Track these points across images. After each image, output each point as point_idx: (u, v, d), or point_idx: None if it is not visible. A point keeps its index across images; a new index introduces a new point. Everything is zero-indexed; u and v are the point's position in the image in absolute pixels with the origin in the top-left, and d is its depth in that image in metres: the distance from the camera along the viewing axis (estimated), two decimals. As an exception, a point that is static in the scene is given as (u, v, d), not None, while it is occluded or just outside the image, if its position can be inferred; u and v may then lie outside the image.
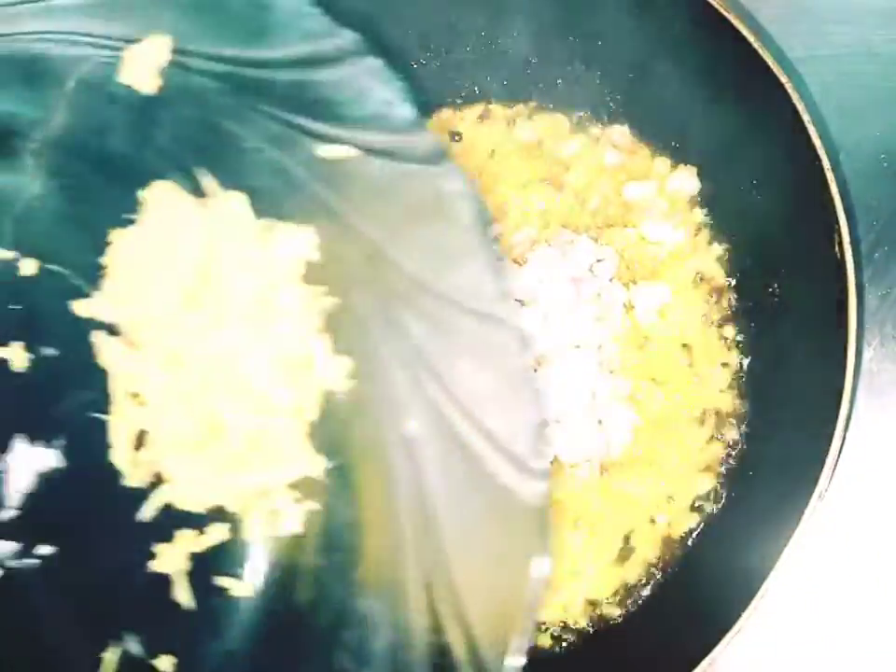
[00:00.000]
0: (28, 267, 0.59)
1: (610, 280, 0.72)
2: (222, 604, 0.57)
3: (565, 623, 0.69)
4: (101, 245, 0.59)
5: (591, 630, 0.68)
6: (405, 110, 0.55)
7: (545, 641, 0.68)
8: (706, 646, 0.59)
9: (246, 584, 0.57)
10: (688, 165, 0.74)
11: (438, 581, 0.52)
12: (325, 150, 0.56)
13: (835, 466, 0.58)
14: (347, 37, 0.56)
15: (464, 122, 0.78)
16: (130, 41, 0.58)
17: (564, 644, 0.68)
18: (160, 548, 0.57)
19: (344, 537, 0.56)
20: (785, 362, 0.67)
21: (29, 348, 0.59)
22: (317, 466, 0.56)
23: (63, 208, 0.60)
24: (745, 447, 0.69)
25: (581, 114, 0.77)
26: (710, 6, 0.65)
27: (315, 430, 0.57)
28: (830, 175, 0.62)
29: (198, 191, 0.58)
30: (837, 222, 0.61)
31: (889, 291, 0.73)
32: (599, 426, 0.69)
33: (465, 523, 0.53)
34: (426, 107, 0.78)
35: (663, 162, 0.74)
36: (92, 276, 0.59)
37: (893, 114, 0.75)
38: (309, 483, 0.57)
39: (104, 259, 0.58)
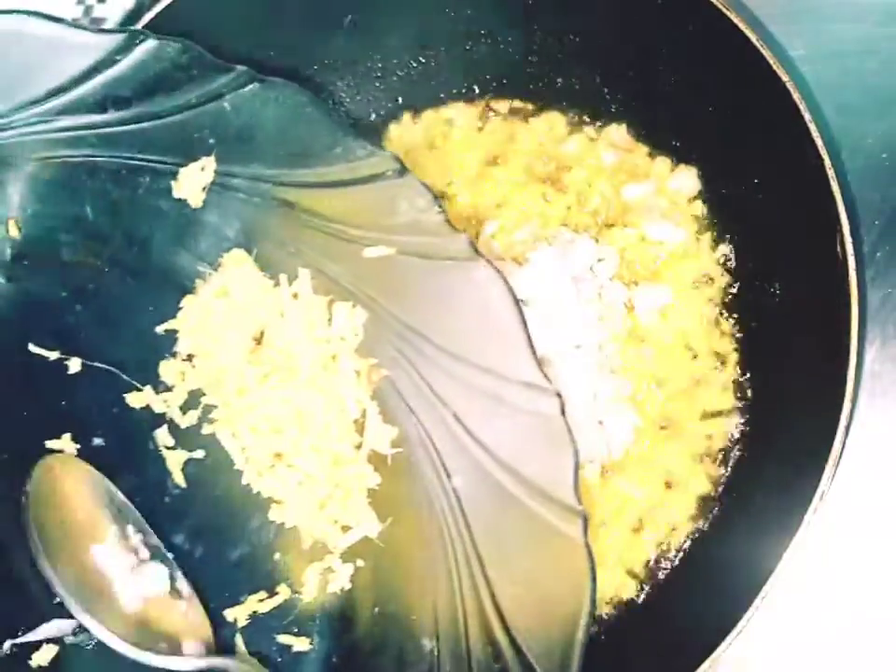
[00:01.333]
0: (75, 365, 0.65)
1: (611, 280, 0.71)
2: (288, 660, 0.62)
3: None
4: (144, 344, 0.65)
5: (592, 631, 0.68)
6: (437, 216, 0.60)
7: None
8: (707, 647, 0.59)
9: (305, 640, 0.62)
10: (688, 165, 0.73)
11: (492, 615, 0.58)
12: (365, 252, 0.62)
13: (837, 466, 0.58)
14: (385, 158, 0.61)
15: (463, 122, 0.78)
16: (181, 164, 0.64)
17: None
18: (228, 611, 0.63)
19: (396, 587, 0.61)
20: (786, 363, 0.67)
21: (77, 439, 0.65)
22: (374, 527, 0.62)
23: (104, 311, 0.66)
24: (746, 448, 0.69)
25: (581, 113, 0.77)
26: (711, 4, 0.65)
27: (372, 494, 0.63)
28: (831, 174, 0.62)
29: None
30: (838, 222, 0.61)
31: (891, 291, 0.72)
32: (600, 426, 0.69)
33: (512, 560, 0.58)
34: (426, 104, 0.79)
35: (663, 162, 0.74)
36: (137, 371, 0.65)
37: (894, 113, 0.75)
38: (359, 542, 0.63)
39: (148, 355, 0.65)
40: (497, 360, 0.59)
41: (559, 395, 0.58)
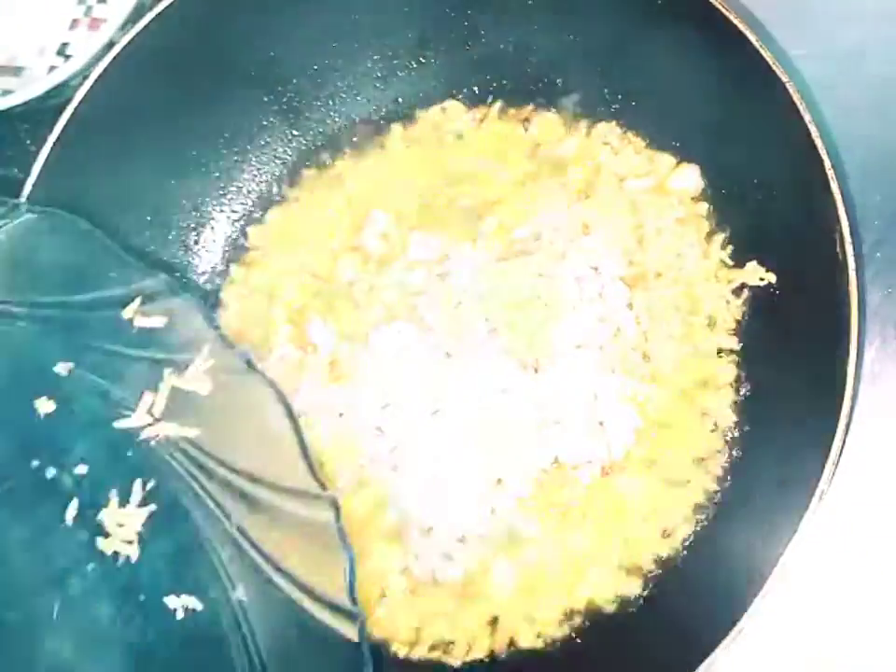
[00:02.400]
0: None
1: (613, 279, 0.71)
2: None
3: (566, 623, 0.68)
4: None
5: (592, 630, 0.68)
6: (212, 333, 0.64)
7: (547, 641, 0.68)
8: (706, 647, 0.59)
9: None
10: (689, 164, 0.73)
11: None
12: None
13: (836, 466, 0.58)
14: (160, 279, 0.65)
15: (463, 121, 0.78)
16: None
17: (565, 644, 0.68)
18: None
19: None
20: (786, 363, 0.67)
21: None
22: None
23: None
24: (746, 448, 0.69)
25: (581, 113, 0.77)
26: (711, 4, 0.65)
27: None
28: (831, 175, 0.62)
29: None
30: (838, 222, 0.61)
31: (891, 291, 0.72)
32: (601, 427, 0.69)
33: (292, 664, 0.61)
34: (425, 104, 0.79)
35: (665, 161, 0.74)
36: None
37: (894, 113, 0.75)
38: None
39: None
40: (274, 471, 0.62)
41: (335, 502, 0.62)
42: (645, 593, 0.68)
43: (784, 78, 0.63)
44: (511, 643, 0.69)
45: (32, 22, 0.88)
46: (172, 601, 0.62)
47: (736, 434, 0.69)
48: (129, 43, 0.71)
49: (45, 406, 0.64)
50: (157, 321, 0.65)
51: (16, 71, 0.87)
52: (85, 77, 0.71)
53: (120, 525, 0.63)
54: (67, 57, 0.85)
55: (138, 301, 0.65)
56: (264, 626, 0.61)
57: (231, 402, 0.64)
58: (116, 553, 0.63)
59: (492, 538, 0.69)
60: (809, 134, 0.63)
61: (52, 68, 0.84)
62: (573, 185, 0.74)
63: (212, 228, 0.80)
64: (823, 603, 0.69)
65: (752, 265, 0.70)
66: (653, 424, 0.70)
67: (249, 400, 0.63)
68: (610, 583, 0.68)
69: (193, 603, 0.61)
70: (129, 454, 0.64)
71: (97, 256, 0.66)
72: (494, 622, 0.69)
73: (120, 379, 0.65)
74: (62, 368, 0.65)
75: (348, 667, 0.59)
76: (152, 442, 0.64)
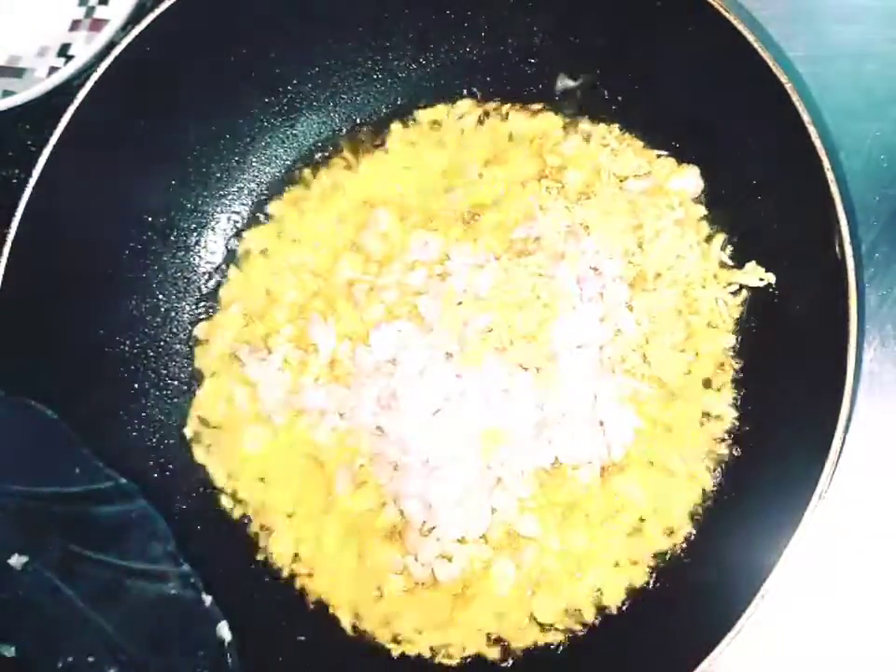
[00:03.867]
0: None
1: (613, 280, 0.71)
2: None
3: (567, 623, 0.69)
4: None
5: (592, 630, 0.68)
6: (163, 549, 0.65)
7: (548, 641, 0.68)
8: (706, 646, 0.59)
9: None
10: (689, 165, 0.74)
11: None
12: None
13: (836, 466, 0.58)
14: (121, 483, 0.66)
15: (463, 121, 0.78)
16: None
17: (565, 644, 0.68)
18: None
19: None
20: (785, 363, 0.67)
21: None
22: None
23: None
24: (745, 448, 0.69)
25: (580, 113, 0.77)
26: (710, 6, 0.65)
27: None
28: (830, 176, 0.62)
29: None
30: (837, 222, 0.61)
31: (890, 291, 0.73)
32: (601, 427, 0.69)
33: None
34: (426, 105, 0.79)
35: (664, 162, 0.74)
36: None
37: (893, 114, 0.75)
38: None
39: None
40: None
41: None
42: (645, 592, 0.68)
43: (783, 79, 0.63)
44: (511, 643, 0.69)
45: (33, 23, 0.89)
46: None
47: (736, 434, 0.70)
48: (130, 44, 0.71)
49: None
50: (114, 525, 0.66)
51: (17, 72, 0.87)
52: (86, 78, 0.71)
53: None
54: (69, 58, 0.85)
55: (98, 502, 0.65)
56: None
57: (178, 623, 0.65)
58: None
59: (492, 538, 0.70)
60: (808, 135, 0.63)
61: (54, 69, 0.84)
62: (573, 185, 0.74)
63: (212, 228, 0.80)
64: (823, 603, 0.69)
65: (752, 266, 0.70)
66: (653, 424, 0.70)
67: (196, 625, 0.64)
68: (610, 583, 0.69)
69: None
70: (69, 659, 0.63)
71: (62, 449, 0.66)
72: (493, 621, 0.69)
73: (75, 579, 0.64)
74: (16, 561, 0.64)
75: None
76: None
